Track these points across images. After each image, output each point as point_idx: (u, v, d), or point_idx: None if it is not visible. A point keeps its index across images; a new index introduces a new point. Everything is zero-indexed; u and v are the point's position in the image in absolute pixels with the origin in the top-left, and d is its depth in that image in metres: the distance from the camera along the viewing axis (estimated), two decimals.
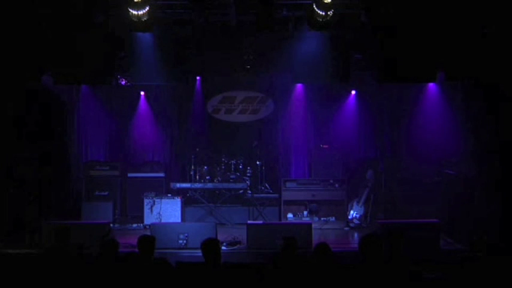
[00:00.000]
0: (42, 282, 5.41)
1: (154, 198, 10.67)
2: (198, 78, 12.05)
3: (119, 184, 11.34)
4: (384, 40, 8.79)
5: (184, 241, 8.46)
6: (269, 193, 11.30)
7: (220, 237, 8.04)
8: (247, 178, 11.31)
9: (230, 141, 11.91)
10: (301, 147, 12.14)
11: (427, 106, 11.29)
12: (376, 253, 4.99)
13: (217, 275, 5.24)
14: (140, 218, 10.69)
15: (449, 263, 5.77)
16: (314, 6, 8.31)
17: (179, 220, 10.51)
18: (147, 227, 9.97)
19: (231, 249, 8.56)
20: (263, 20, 8.56)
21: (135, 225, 10.69)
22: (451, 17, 8.39)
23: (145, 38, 9.31)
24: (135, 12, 8.30)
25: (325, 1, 8.09)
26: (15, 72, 8.87)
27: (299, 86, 11.93)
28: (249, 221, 9.42)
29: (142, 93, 12.08)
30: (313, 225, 8.89)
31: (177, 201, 10.68)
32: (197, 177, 11.38)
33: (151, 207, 10.61)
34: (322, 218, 10.68)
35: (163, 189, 11.18)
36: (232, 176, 11.26)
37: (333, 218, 10.69)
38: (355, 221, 10.65)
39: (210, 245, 5.38)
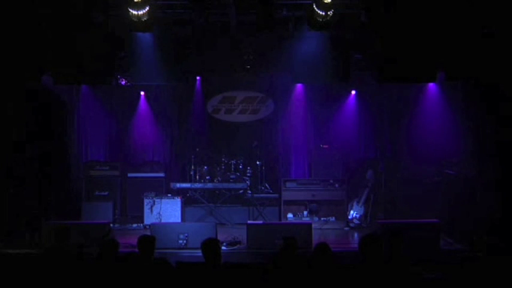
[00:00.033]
0: (42, 282, 5.41)
1: (154, 198, 10.67)
2: (198, 78, 12.06)
3: (119, 184, 11.35)
4: (384, 40, 8.78)
5: (184, 241, 8.46)
6: (269, 193, 11.31)
7: (220, 237, 8.03)
8: (247, 178, 11.31)
9: (230, 141, 11.91)
10: (301, 147, 12.14)
11: (427, 106, 11.28)
12: (376, 253, 4.99)
13: (217, 275, 5.24)
14: (140, 218, 10.70)
15: (449, 263, 5.78)
16: (314, 6, 8.30)
17: (179, 220, 10.52)
18: (147, 227, 9.98)
19: (231, 249, 8.56)
20: (263, 20, 8.56)
21: (135, 225, 10.70)
22: (451, 17, 8.39)
23: (145, 38, 9.30)
24: (135, 12, 8.30)
25: (325, 1, 8.09)
26: (15, 72, 8.87)
27: (299, 86, 11.93)
28: (249, 221, 9.42)
29: (142, 93, 12.09)
30: (313, 225, 8.89)
31: (177, 201, 10.69)
32: (197, 177, 11.38)
33: (151, 207, 10.61)
34: (322, 218, 10.68)
35: (163, 189, 11.19)
36: (232, 176, 11.26)
37: (333, 218, 10.69)
38: (355, 221, 10.65)
39: (210, 245, 5.38)
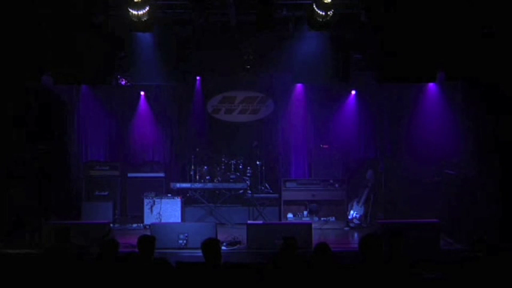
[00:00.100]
0: (42, 282, 5.40)
1: (154, 198, 10.67)
2: (198, 78, 12.06)
3: (119, 184, 11.35)
4: (384, 40, 8.79)
5: (184, 241, 8.46)
6: (269, 193, 11.31)
7: (220, 237, 8.03)
8: (247, 178, 11.31)
9: (230, 141, 11.91)
10: (301, 147, 12.14)
11: (427, 106, 11.28)
12: (376, 253, 4.99)
13: (217, 275, 5.24)
14: (140, 218, 10.70)
15: (449, 263, 5.77)
16: (314, 6, 8.31)
17: (179, 220, 10.51)
18: (147, 227, 9.98)
19: (231, 249, 8.56)
20: (263, 20, 8.56)
21: (135, 225, 10.70)
22: (451, 17, 8.39)
23: (145, 38, 9.30)
24: (135, 12, 8.30)
25: (325, 1, 8.09)
26: (15, 72, 8.86)
27: (299, 86, 11.93)
28: (249, 221, 9.42)
29: (142, 93, 12.09)
30: (313, 225, 8.90)
31: (177, 201, 10.69)
32: (197, 177, 11.38)
33: (151, 207, 10.61)
34: (322, 218, 10.68)
35: (163, 189, 11.19)
36: (232, 176, 11.26)
37: (333, 218, 10.69)
38: (355, 221, 10.65)
39: (211, 245, 5.38)
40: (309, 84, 11.72)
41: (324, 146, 11.65)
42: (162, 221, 10.33)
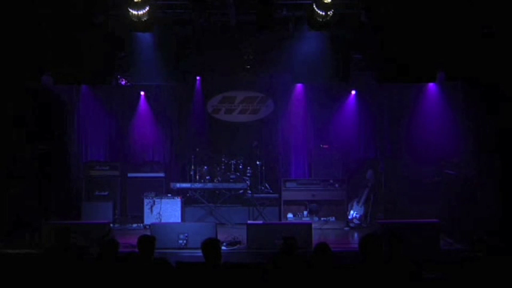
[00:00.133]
0: (42, 282, 5.41)
1: (154, 198, 10.67)
2: (198, 78, 12.06)
3: (119, 184, 11.35)
4: (384, 40, 8.79)
5: (184, 241, 8.46)
6: (269, 193, 11.31)
7: (220, 237, 8.02)
8: (247, 178, 11.31)
9: (230, 141, 11.91)
10: (301, 147, 12.14)
11: (427, 106, 11.28)
12: (376, 253, 4.99)
13: (217, 275, 5.24)
14: (140, 218, 10.70)
15: (449, 263, 5.78)
16: (314, 6, 8.31)
17: (179, 220, 10.51)
18: (147, 227, 9.97)
19: (231, 249, 8.55)
20: (263, 20, 8.56)
21: (135, 225, 10.70)
22: (451, 17, 8.39)
23: (145, 38, 9.30)
24: (135, 12, 8.31)
25: (325, 1, 8.09)
26: (15, 72, 8.87)
27: (299, 86, 11.94)
28: (249, 221, 9.41)
29: (142, 93, 12.09)
30: (313, 225, 8.89)
31: (177, 201, 10.68)
32: (197, 177, 11.38)
33: (151, 207, 10.61)
34: (322, 218, 10.68)
35: (163, 189, 11.18)
36: (232, 176, 11.26)
37: (333, 218, 10.69)
38: (355, 221, 10.65)
39: (211, 245, 5.38)
40: (309, 84, 11.72)
41: (324, 146, 11.65)
42: (162, 221, 10.33)
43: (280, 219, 10.76)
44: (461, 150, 10.07)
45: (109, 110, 12.11)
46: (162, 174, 11.45)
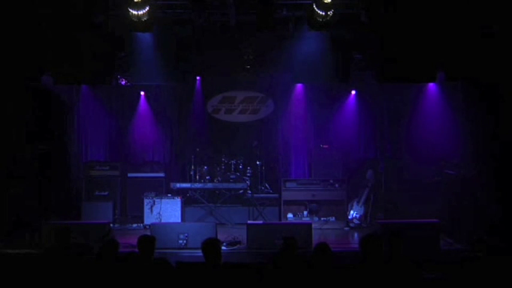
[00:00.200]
0: (42, 282, 5.41)
1: (154, 198, 10.67)
2: (198, 78, 12.05)
3: (119, 184, 11.34)
4: (383, 40, 8.79)
5: (184, 241, 8.45)
6: (269, 193, 11.31)
7: (220, 237, 8.00)
8: (247, 178, 11.31)
9: (230, 141, 11.90)
10: (301, 147, 12.13)
11: (427, 106, 11.28)
12: (376, 253, 4.99)
13: (218, 275, 5.24)
14: (140, 218, 10.70)
15: (449, 263, 5.77)
16: (314, 6, 8.32)
17: (179, 220, 10.51)
18: (147, 227, 9.97)
19: (231, 249, 8.55)
20: (263, 20, 8.57)
21: (135, 225, 10.70)
22: (451, 17, 8.39)
23: (145, 38, 9.31)
24: (135, 12, 8.31)
25: (325, 1, 8.10)
26: (15, 72, 8.87)
27: (299, 86, 11.93)
28: (249, 221, 9.41)
29: (142, 93, 12.08)
30: (313, 225, 8.88)
31: (177, 201, 10.68)
32: (197, 177, 11.38)
33: (151, 207, 10.61)
34: (322, 218, 10.68)
35: (163, 189, 11.18)
36: (232, 176, 11.26)
37: (333, 218, 10.69)
38: (355, 221, 10.65)
39: (211, 245, 5.38)
40: (309, 84, 11.72)
41: (324, 146, 11.65)
42: (162, 221, 10.32)
43: (280, 219, 10.76)
44: (461, 150, 10.07)
45: (109, 110, 12.10)
46: (162, 174, 11.45)
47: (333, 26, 8.66)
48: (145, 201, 10.64)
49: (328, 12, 8.31)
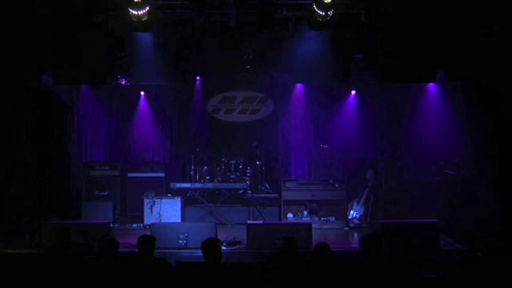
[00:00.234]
0: (42, 282, 5.41)
1: (154, 198, 10.67)
2: (198, 78, 12.05)
3: (119, 184, 11.34)
4: (384, 40, 8.80)
5: (184, 241, 8.45)
6: (269, 193, 11.30)
7: (220, 237, 7.98)
8: (247, 178, 11.31)
9: (230, 141, 11.90)
10: (301, 147, 12.13)
11: (427, 106, 11.29)
12: (376, 253, 4.99)
13: (218, 275, 5.24)
14: (140, 218, 10.69)
15: (449, 263, 5.77)
16: (314, 6, 8.32)
17: (179, 220, 10.51)
18: (147, 227, 9.97)
19: (231, 249, 8.54)
20: (263, 20, 8.58)
21: (135, 225, 10.70)
22: (451, 17, 8.40)
23: (145, 38, 9.31)
24: (135, 12, 8.31)
25: (325, 1, 8.10)
26: (15, 72, 8.87)
27: (299, 86, 11.93)
28: (249, 221, 9.41)
29: (142, 93, 12.08)
30: (313, 225, 8.87)
31: (177, 201, 10.68)
32: (197, 177, 11.38)
33: (151, 207, 10.61)
34: (322, 218, 10.67)
35: (163, 189, 11.18)
36: (232, 176, 11.26)
37: (333, 218, 10.69)
38: (355, 221, 10.65)
39: (211, 245, 5.38)
40: (309, 84, 11.73)
41: (324, 146, 11.64)
42: (162, 221, 10.32)
43: (280, 219, 10.76)
44: (461, 150, 10.07)
45: (109, 110, 12.09)
46: (162, 174, 11.45)
47: (333, 26, 8.65)
48: (145, 201, 10.64)
49: (328, 12, 8.31)
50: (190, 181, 11.37)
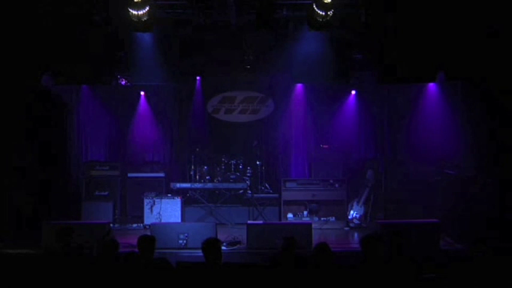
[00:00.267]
0: (42, 282, 5.41)
1: (154, 198, 10.67)
2: (198, 78, 12.04)
3: (119, 184, 11.33)
4: (384, 40, 8.81)
5: (184, 241, 8.46)
6: (269, 193, 11.30)
7: (220, 237, 7.97)
8: (247, 178, 11.30)
9: (230, 141, 11.90)
10: (301, 147, 12.12)
11: (427, 106, 11.28)
12: (376, 253, 4.99)
13: (218, 275, 5.24)
14: (140, 218, 10.69)
15: (449, 263, 5.78)
16: (314, 6, 8.33)
17: (179, 220, 10.50)
18: (147, 227, 9.97)
19: (231, 249, 8.55)
20: (263, 20, 8.58)
21: (135, 225, 10.69)
22: (451, 17, 8.40)
23: (145, 38, 9.31)
24: (135, 12, 8.32)
25: (325, 1, 8.11)
26: (16, 72, 8.88)
27: (299, 86, 11.93)
28: (249, 221, 9.41)
29: (142, 93, 12.06)
30: (313, 225, 8.88)
31: (177, 201, 10.68)
32: (197, 177, 11.38)
33: (151, 207, 10.61)
34: (322, 218, 10.67)
35: (163, 189, 11.17)
36: (232, 176, 11.26)
37: (333, 218, 10.69)
38: (355, 221, 10.64)
39: (211, 245, 5.38)
40: (309, 84, 11.72)
41: (324, 146, 11.64)
42: (162, 221, 10.32)
43: (280, 219, 10.75)
44: (461, 150, 10.07)
45: (109, 110, 12.07)
46: (162, 174, 11.44)
47: (333, 26, 8.66)
48: (145, 201, 10.64)
49: (328, 12, 8.32)
50: (190, 181, 11.37)
